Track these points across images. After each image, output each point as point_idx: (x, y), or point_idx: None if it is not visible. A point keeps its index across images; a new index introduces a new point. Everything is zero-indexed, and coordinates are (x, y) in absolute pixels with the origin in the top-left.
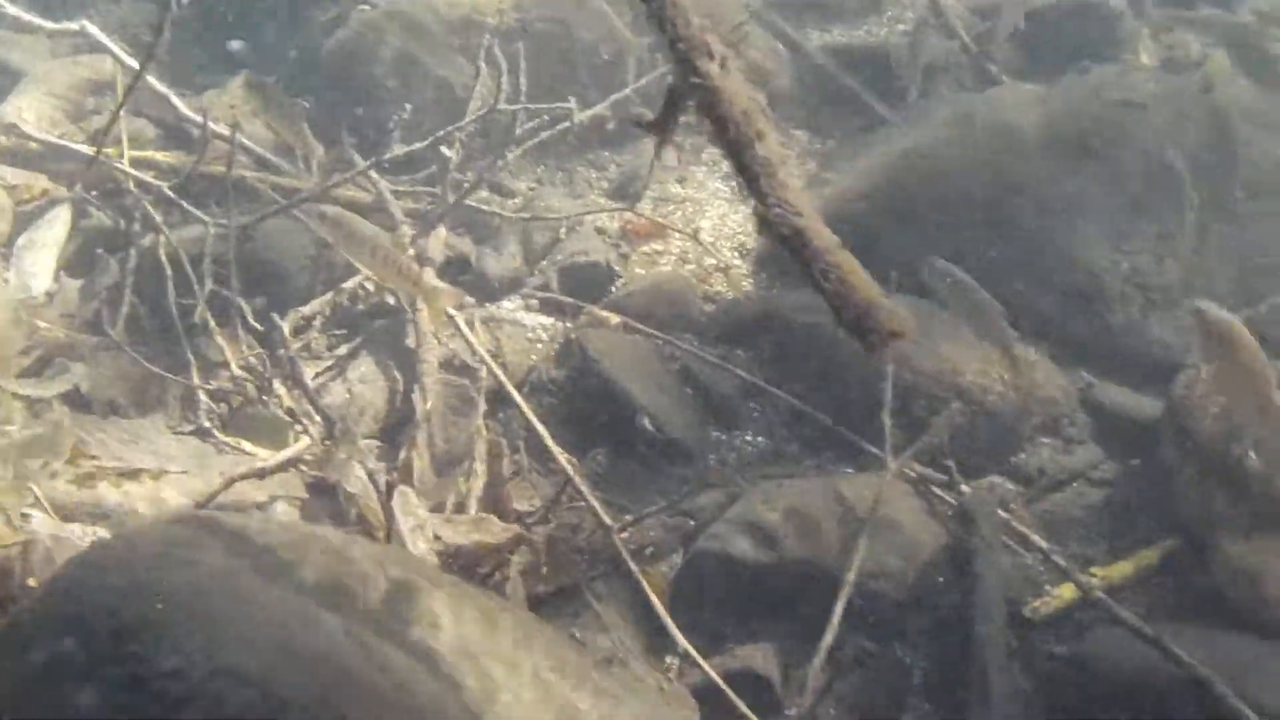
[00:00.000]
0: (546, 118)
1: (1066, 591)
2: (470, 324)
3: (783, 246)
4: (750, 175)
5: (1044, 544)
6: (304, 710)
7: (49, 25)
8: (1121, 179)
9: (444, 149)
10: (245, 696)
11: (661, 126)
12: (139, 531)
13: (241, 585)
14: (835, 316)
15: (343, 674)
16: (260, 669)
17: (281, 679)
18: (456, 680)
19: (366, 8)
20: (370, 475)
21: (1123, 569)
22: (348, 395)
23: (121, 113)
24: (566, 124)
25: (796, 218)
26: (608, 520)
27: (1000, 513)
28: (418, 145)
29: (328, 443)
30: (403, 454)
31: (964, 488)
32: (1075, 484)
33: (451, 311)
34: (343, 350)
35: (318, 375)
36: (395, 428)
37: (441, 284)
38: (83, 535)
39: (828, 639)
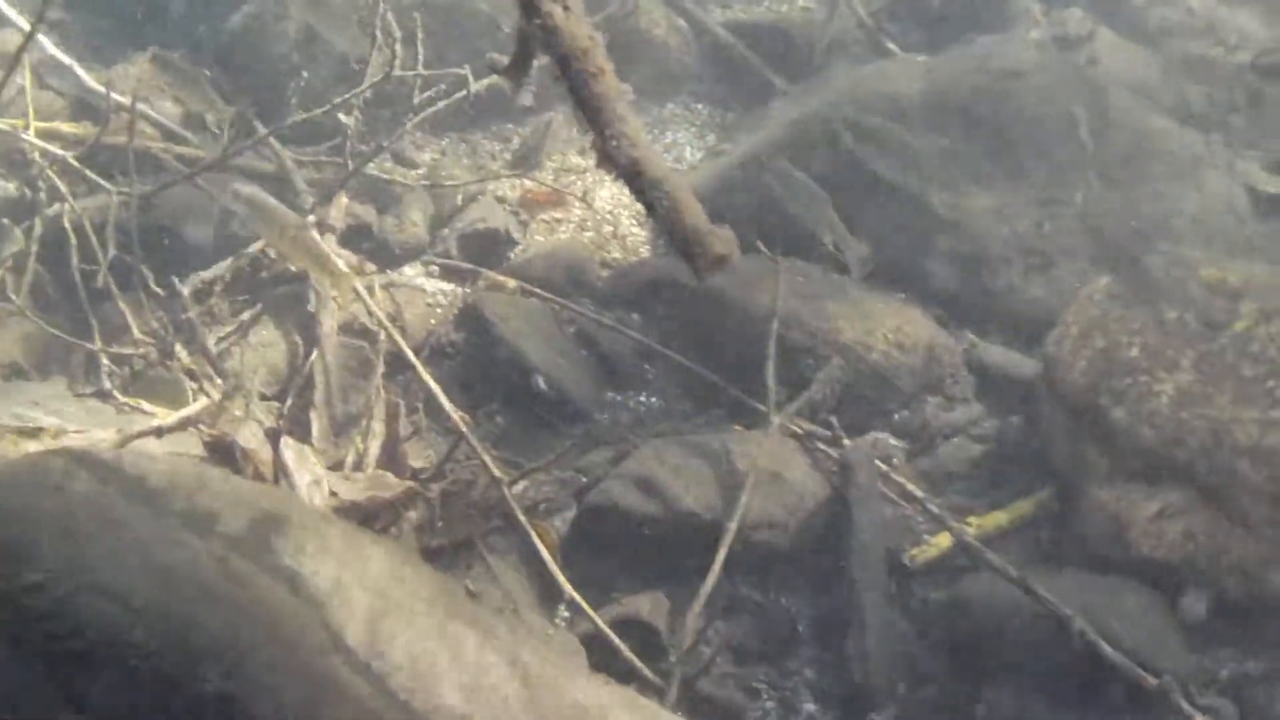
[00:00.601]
0: (444, 86)
1: (943, 540)
2: (370, 290)
3: (620, 176)
4: (590, 110)
5: (921, 494)
6: (162, 620)
7: None
8: (1002, 146)
9: (342, 117)
10: (106, 610)
11: (514, 70)
12: (13, 462)
13: (109, 509)
14: (667, 240)
15: (202, 589)
16: (122, 584)
17: (141, 593)
18: (320, 600)
19: None
20: (267, 432)
21: (997, 519)
22: (247, 356)
23: (28, 84)
24: (463, 93)
25: (632, 149)
26: (498, 474)
27: (880, 465)
28: (315, 112)
29: (224, 400)
30: (289, 401)
31: (845, 442)
32: (957, 439)
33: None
34: (245, 316)
35: (220, 340)
36: (294, 389)
37: (347, 266)
38: None
39: (708, 585)
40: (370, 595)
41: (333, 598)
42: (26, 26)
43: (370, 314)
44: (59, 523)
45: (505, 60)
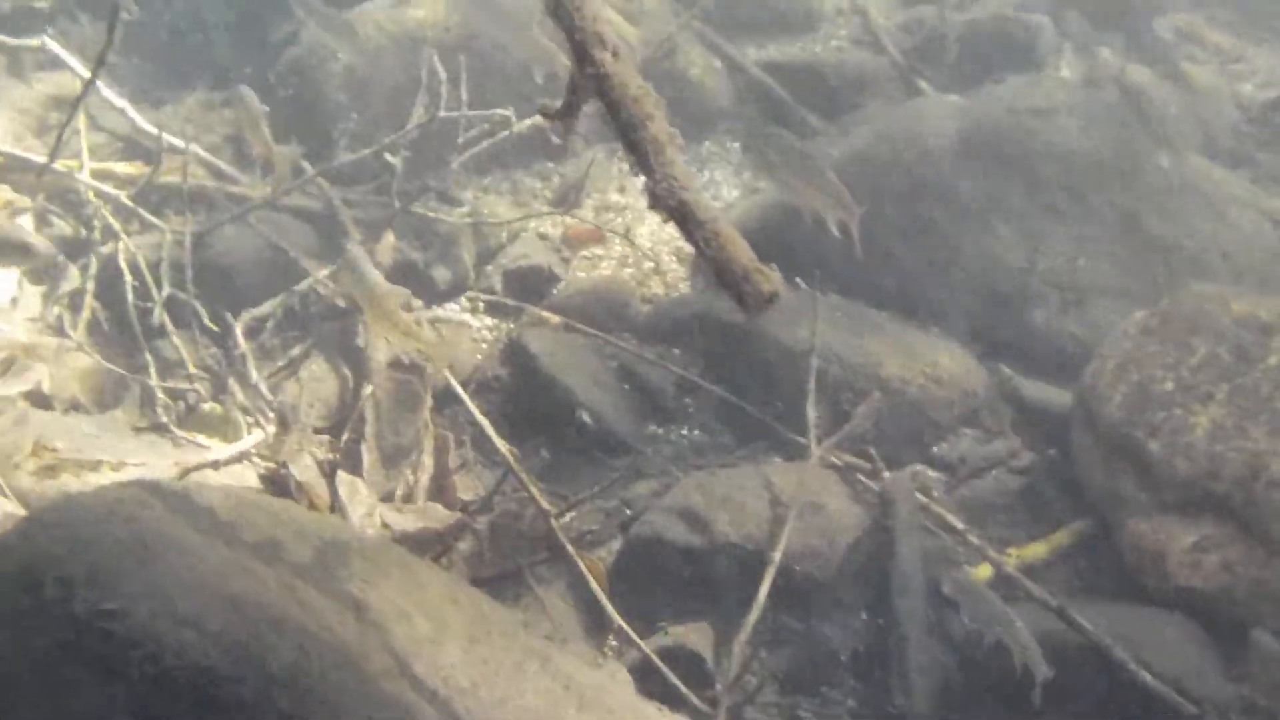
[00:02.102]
0: (487, 126)
1: (984, 571)
2: (418, 325)
3: (670, 217)
4: (640, 154)
5: (960, 525)
6: (236, 646)
7: (9, 41)
8: (1036, 184)
9: (389, 157)
10: (182, 636)
11: (565, 115)
12: (87, 494)
13: (181, 539)
14: (717, 280)
15: (272, 616)
16: (197, 611)
17: (215, 620)
18: (384, 626)
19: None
20: (320, 465)
21: (1036, 549)
22: (299, 390)
23: (83, 126)
24: (506, 132)
25: (682, 191)
26: (546, 506)
27: (920, 496)
28: (363, 152)
29: (279, 433)
30: (345, 435)
31: (886, 474)
32: (995, 472)
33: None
34: (296, 350)
35: (272, 375)
36: (345, 423)
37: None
38: None
39: (753, 616)
40: (431, 621)
41: (396, 624)
42: (83, 71)
43: (422, 353)
44: (134, 551)
45: (555, 105)
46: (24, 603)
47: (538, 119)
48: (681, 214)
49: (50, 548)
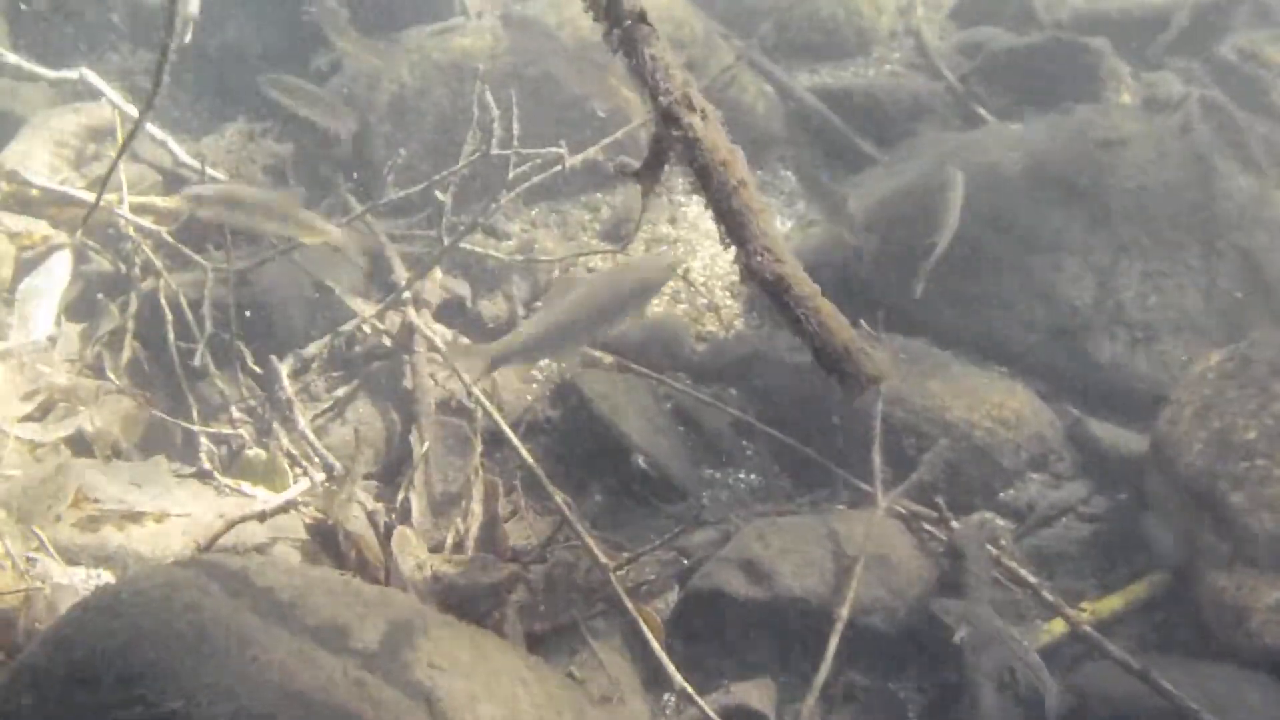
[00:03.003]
0: (539, 161)
1: (1056, 626)
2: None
3: (764, 293)
4: (732, 223)
5: (1033, 579)
6: None
7: (49, 74)
8: (1105, 217)
9: (438, 193)
10: None
11: (647, 175)
12: (142, 576)
13: (243, 627)
14: (816, 361)
15: (340, 712)
16: (263, 710)
17: (283, 718)
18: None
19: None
20: (370, 515)
21: (1111, 603)
22: (347, 437)
23: (121, 159)
24: (558, 168)
25: (777, 264)
26: (604, 560)
27: (990, 548)
28: (412, 190)
29: (327, 483)
30: (400, 494)
31: (954, 523)
32: (1064, 519)
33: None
34: (341, 392)
35: (317, 417)
36: (393, 467)
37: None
38: (86, 579)
39: (822, 675)
40: (502, 709)
41: (466, 713)
42: (122, 103)
43: (468, 391)
44: (197, 645)
45: (636, 165)
46: (81, 699)
47: (590, 155)
48: (777, 288)
49: (108, 641)
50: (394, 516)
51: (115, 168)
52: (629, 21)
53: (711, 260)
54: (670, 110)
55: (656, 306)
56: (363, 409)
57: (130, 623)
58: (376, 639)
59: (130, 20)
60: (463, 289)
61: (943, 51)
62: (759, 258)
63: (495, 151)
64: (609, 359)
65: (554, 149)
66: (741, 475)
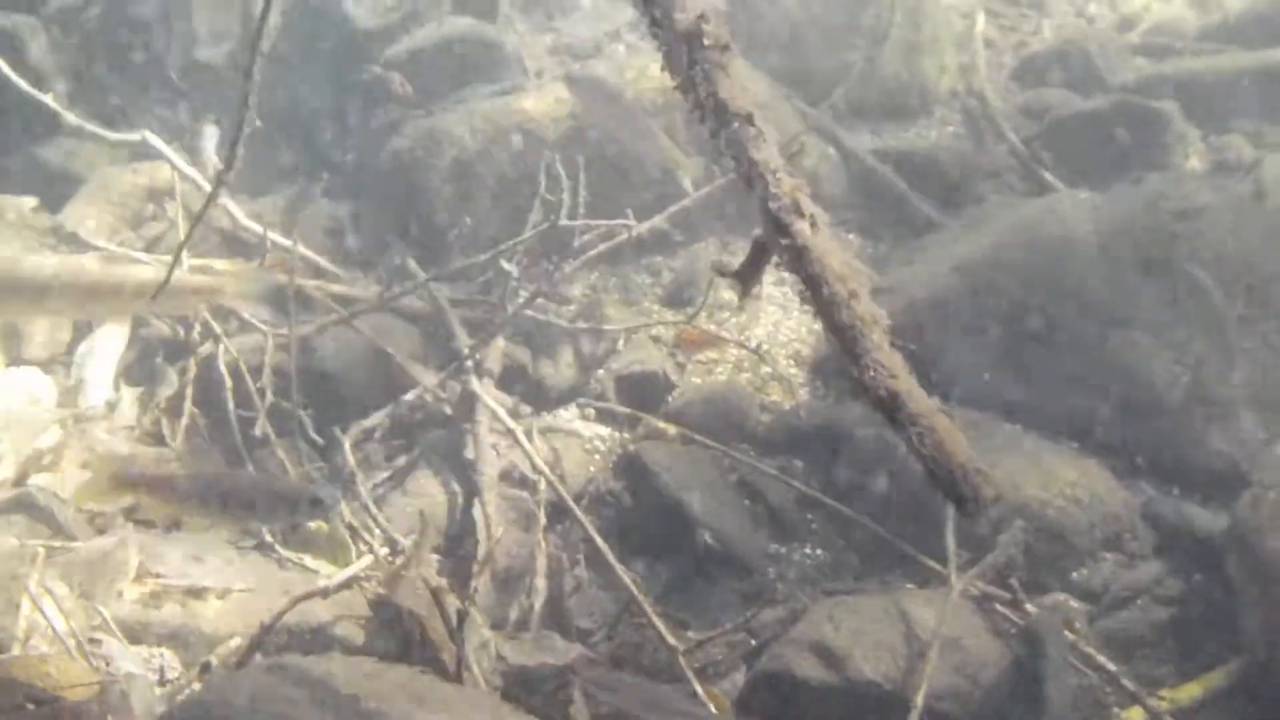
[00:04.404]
0: (604, 228)
1: (1135, 715)
2: (529, 435)
3: (878, 409)
4: (844, 337)
5: (1111, 666)
6: None
7: (111, 135)
8: (1180, 290)
9: (503, 262)
10: None
11: (745, 276)
12: (228, 687)
13: None
14: (931, 480)
15: None
16: None
17: None
18: None
19: (423, 113)
20: (434, 595)
21: (1190, 690)
22: (415, 513)
23: (180, 220)
24: (625, 236)
25: (891, 380)
26: (673, 642)
27: (1066, 633)
28: (479, 258)
29: (391, 560)
30: (474, 584)
31: (1029, 606)
32: (1140, 600)
33: (510, 423)
34: (401, 461)
35: (376, 486)
36: (455, 540)
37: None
38: (149, 659)
39: None
40: None
41: None
42: (185, 166)
43: (531, 463)
44: None
45: (734, 266)
46: None
47: (656, 223)
48: (892, 406)
49: None
50: (455, 589)
51: (187, 242)
52: (736, 124)
53: (775, 327)
54: (779, 217)
55: (720, 375)
56: (423, 479)
57: None
58: None
59: (187, 77)
60: (524, 355)
61: (1006, 114)
62: (872, 373)
63: (564, 222)
64: (672, 430)
65: (623, 222)
66: (807, 550)
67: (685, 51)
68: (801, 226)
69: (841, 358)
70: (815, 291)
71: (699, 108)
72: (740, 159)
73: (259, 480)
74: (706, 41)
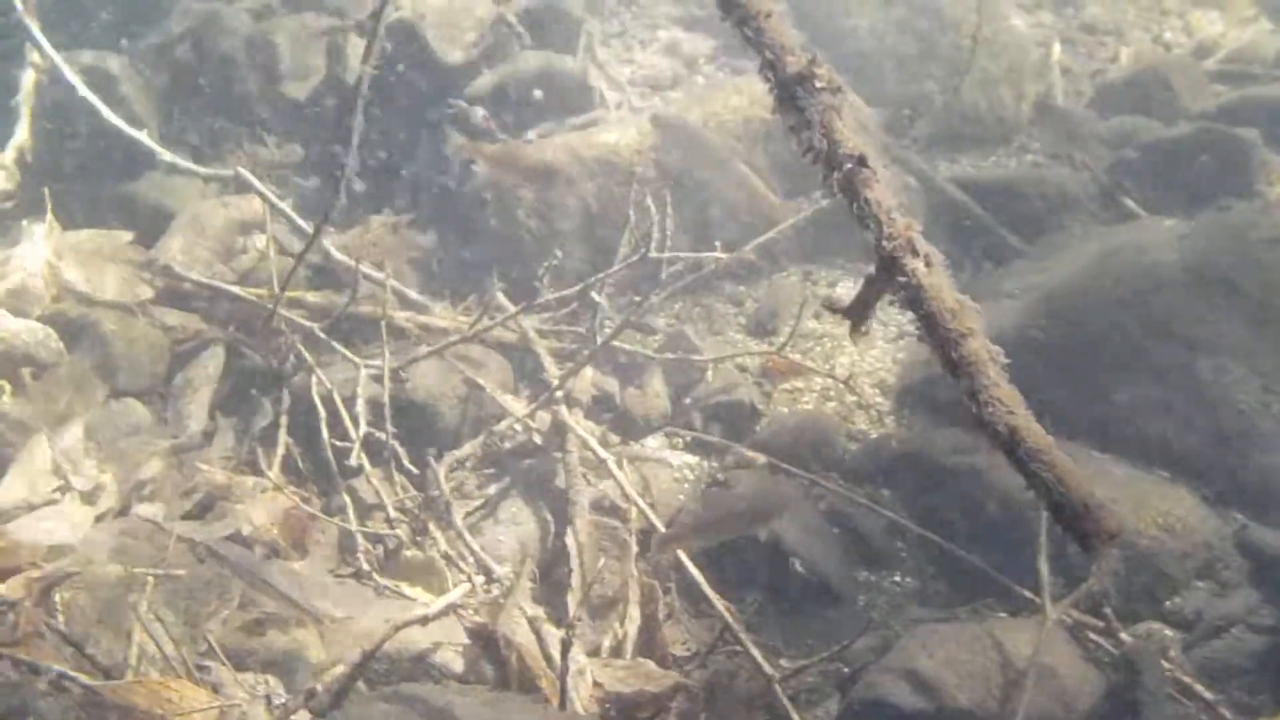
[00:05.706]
0: (691, 259)
1: None
2: (619, 463)
3: (997, 445)
4: (961, 372)
5: (1209, 694)
6: None
7: (203, 171)
8: (1269, 318)
9: (594, 294)
10: None
11: (856, 314)
12: (353, 714)
13: None
14: (1051, 516)
15: None
16: None
17: None
18: None
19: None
20: (532, 623)
21: None
22: (507, 540)
23: (272, 253)
24: (712, 268)
25: (1010, 415)
26: (769, 670)
27: (1164, 663)
28: (568, 291)
29: (489, 589)
30: (574, 613)
31: (1123, 635)
32: (1235, 629)
33: (602, 452)
34: (492, 490)
35: (469, 515)
36: (547, 568)
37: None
38: (254, 685)
39: None
40: None
41: None
42: (277, 202)
43: (623, 491)
44: None
45: (845, 302)
46: None
47: (742, 253)
48: (1010, 442)
49: None
50: (566, 631)
51: (289, 280)
52: (849, 165)
53: (859, 356)
54: (894, 256)
55: (806, 404)
56: (514, 508)
57: None
58: None
59: (275, 112)
60: (611, 385)
61: (1086, 142)
62: (990, 409)
63: (653, 255)
64: (761, 459)
65: (712, 254)
66: (896, 578)
67: (797, 94)
68: (916, 265)
69: (959, 394)
70: (931, 329)
71: (811, 150)
72: (854, 200)
73: None
74: (819, 84)
